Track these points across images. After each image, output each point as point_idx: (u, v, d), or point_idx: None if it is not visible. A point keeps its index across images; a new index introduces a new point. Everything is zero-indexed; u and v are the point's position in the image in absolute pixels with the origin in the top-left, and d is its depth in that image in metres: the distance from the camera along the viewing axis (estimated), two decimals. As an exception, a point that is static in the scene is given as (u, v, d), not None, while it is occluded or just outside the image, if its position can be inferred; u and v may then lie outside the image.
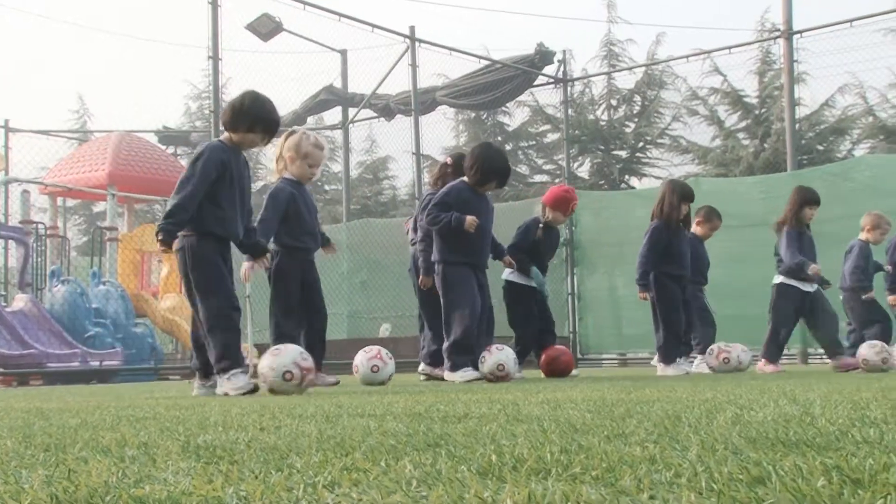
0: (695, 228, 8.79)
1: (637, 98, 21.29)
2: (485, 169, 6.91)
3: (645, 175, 21.26)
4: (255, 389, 5.16)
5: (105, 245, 15.17)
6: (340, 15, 13.85)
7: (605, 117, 21.48)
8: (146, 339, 13.86)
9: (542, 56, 16.23)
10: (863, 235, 9.03)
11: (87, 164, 16.46)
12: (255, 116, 5.40)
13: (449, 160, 7.64)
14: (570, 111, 18.07)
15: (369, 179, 24.32)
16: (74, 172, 16.42)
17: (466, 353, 6.74)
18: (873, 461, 1.33)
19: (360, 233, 15.98)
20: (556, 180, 20.01)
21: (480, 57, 16.68)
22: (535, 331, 7.81)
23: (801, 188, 8.56)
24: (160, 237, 5.24)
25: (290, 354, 5.06)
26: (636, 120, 21.25)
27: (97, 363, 12.53)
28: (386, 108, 16.82)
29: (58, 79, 49.97)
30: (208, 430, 2.40)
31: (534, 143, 22.69)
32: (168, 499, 1.22)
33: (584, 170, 21.35)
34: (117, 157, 16.29)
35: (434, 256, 7.04)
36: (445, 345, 6.86)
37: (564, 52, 16.94)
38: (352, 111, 17.62)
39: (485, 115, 22.07)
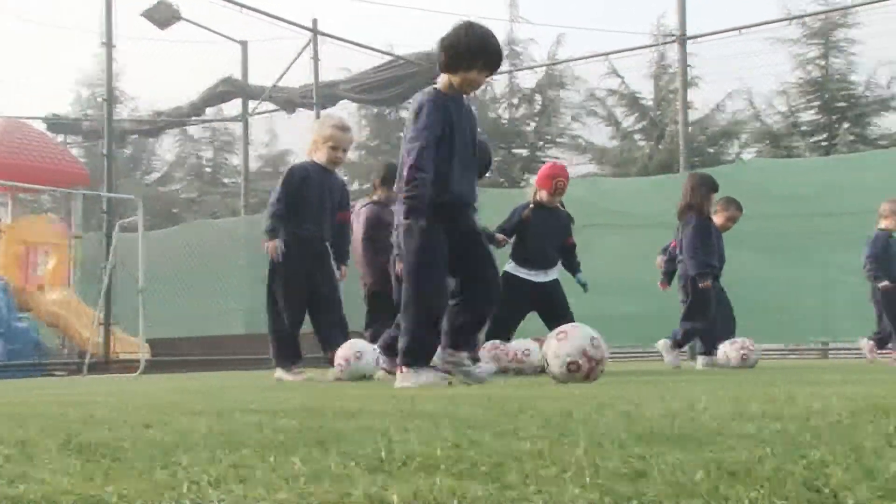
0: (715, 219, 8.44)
1: (538, 97, 21.55)
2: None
3: (541, 162, 21.54)
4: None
5: (-14, 236, 14.60)
6: (241, 5, 13.64)
7: (506, 116, 21.68)
8: (30, 334, 13.38)
9: (447, 54, 16.27)
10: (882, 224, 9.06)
11: (-33, 152, 15.81)
12: (475, 50, 4.71)
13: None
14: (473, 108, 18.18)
15: (269, 173, 24.01)
16: (-46, 160, 15.75)
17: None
18: (749, 454, 1.37)
19: (259, 226, 15.75)
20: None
21: (384, 52, 16.64)
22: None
23: (702, 175, 8.44)
24: (406, 217, 4.64)
25: (579, 340, 4.43)
26: (537, 119, 21.51)
27: (-27, 359, 12.05)
28: (287, 102, 16.63)
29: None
30: (92, 427, 2.33)
31: (435, 139, 22.72)
32: (44, 498, 1.18)
33: (484, 168, 21.48)
34: (0, 144, 15.68)
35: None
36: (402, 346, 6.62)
37: (468, 50, 17.00)
38: (252, 103, 17.37)
39: (388, 111, 22.03)
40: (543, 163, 21.76)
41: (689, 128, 15.08)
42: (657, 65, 19.15)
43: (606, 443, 1.64)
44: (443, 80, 4.84)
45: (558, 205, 7.51)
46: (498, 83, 20.92)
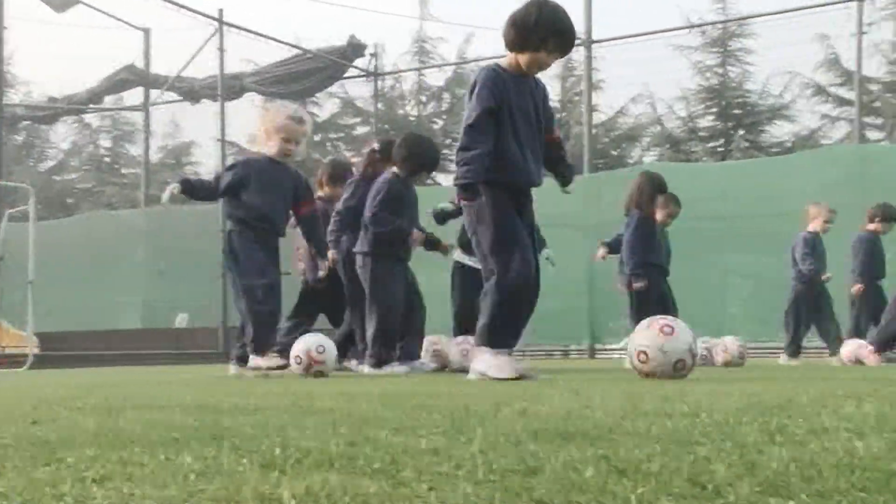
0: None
1: (446, 95, 21.62)
2: (418, 161, 6.63)
3: (451, 172, 21.60)
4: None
5: None
6: (144, -8, 13.32)
7: (414, 113, 21.69)
8: None
9: (354, 48, 16.21)
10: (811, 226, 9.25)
11: None
12: (547, 30, 4.46)
13: (376, 145, 7.39)
14: (379, 105, 18.13)
15: (171, 164, 23.51)
16: None
17: (390, 348, 6.50)
18: (639, 451, 1.40)
19: (159, 219, 15.43)
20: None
21: (291, 45, 16.46)
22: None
23: (651, 174, 8.42)
24: (464, 199, 4.47)
25: (687, 336, 4.33)
26: (445, 117, 21.58)
27: None
28: (191, 92, 16.31)
29: None
30: (-24, 422, 2.25)
31: (343, 135, 22.62)
32: (-84, 497, 1.13)
33: (391, 165, 21.46)
34: None
35: (359, 247, 6.68)
36: (369, 339, 6.47)
37: (376, 45, 16.98)
38: (154, 93, 16.97)
39: (296, 105, 21.80)
40: (451, 161, 21.84)
41: (594, 130, 15.35)
42: (563, 67, 19.41)
43: (502, 440, 1.66)
44: (508, 57, 4.58)
45: None
46: (406, 80, 20.92)
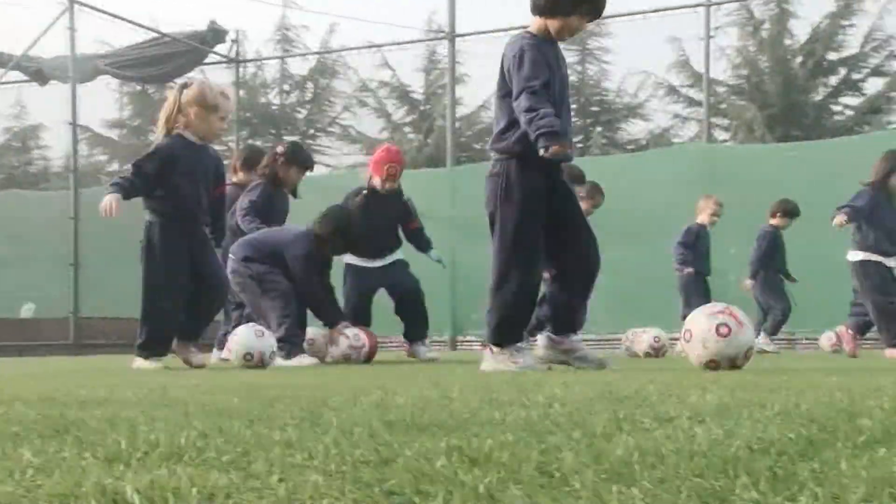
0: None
1: (310, 85, 21.39)
2: (341, 240, 6.57)
3: (315, 162, 21.37)
4: None
5: None
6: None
7: (277, 101, 21.38)
8: None
9: (215, 34, 15.84)
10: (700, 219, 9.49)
11: None
12: None
13: (281, 148, 7.09)
14: (241, 92, 17.79)
15: (17, 148, 22.45)
16: None
17: (300, 339, 6.31)
18: (492, 441, 1.42)
19: (3, 205, 14.72)
20: (226, 162, 19.63)
21: (148, 28, 15.94)
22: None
23: (570, 166, 8.47)
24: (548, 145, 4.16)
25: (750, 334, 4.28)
26: (308, 107, 21.35)
27: None
28: (39, 73, 15.59)
29: None
30: None
31: (202, 121, 22.08)
32: None
33: (253, 153, 21.10)
34: None
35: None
36: (279, 334, 6.15)
37: (238, 31, 16.64)
38: (-2, 72, 16.14)
39: (152, 90, 21.15)
40: (314, 151, 21.70)
41: (457, 124, 15.48)
42: (428, 60, 19.50)
43: (357, 431, 1.65)
44: (537, 23, 4.41)
45: (395, 190, 7.31)
46: (269, 68, 20.61)
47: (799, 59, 16.87)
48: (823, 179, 10.29)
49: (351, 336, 6.45)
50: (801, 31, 16.92)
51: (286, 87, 21.40)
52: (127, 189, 5.55)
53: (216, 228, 6.00)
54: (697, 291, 9.17)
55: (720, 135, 16.93)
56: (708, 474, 1.10)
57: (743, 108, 16.70)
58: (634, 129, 18.48)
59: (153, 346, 5.72)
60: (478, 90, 18.18)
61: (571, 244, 4.48)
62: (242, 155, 7.64)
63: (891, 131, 15.05)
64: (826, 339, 9.26)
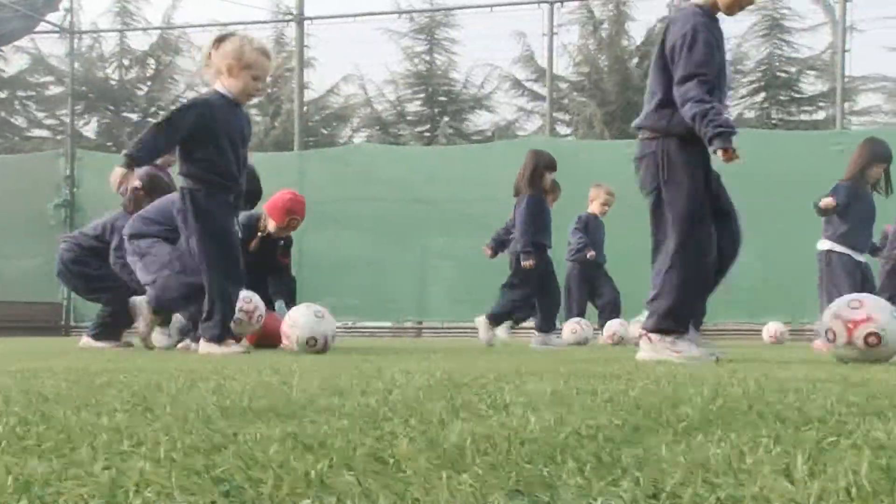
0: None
1: (151, 61, 20.68)
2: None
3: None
4: None
5: None
6: None
7: (116, 76, 20.56)
8: None
9: (47, 2, 15.09)
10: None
11: None
12: None
13: (137, 183, 6.45)
14: (76, 65, 17.02)
15: None
16: None
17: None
18: (328, 427, 1.41)
19: None
20: (59, 137, 18.76)
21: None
22: None
23: (540, 152, 8.20)
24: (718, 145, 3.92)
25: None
26: (149, 83, 20.64)
27: None
28: None
29: None
30: None
31: (33, 94, 21.02)
32: None
33: (90, 129, 20.23)
34: None
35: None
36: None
37: (72, 1, 15.89)
38: None
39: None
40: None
41: (305, 107, 15.31)
42: (276, 42, 19.18)
43: (191, 417, 1.62)
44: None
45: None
46: (107, 41, 19.79)
47: (635, 60, 17.50)
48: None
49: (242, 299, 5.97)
50: (637, 32, 17.56)
51: (126, 61, 20.62)
52: (142, 156, 5.04)
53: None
54: (580, 282, 9.31)
55: (562, 129, 17.38)
56: (537, 460, 1.13)
57: (583, 104, 17.17)
58: (480, 120, 18.73)
59: (227, 330, 5.17)
60: (326, 75, 18.03)
61: (723, 228, 4.29)
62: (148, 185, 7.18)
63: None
64: (766, 332, 9.80)
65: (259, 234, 6.82)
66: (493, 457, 1.15)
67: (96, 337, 6.86)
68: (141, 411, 1.74)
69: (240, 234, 6.29)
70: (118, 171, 4.92)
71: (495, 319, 7.95)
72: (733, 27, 16.54)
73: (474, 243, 10.79)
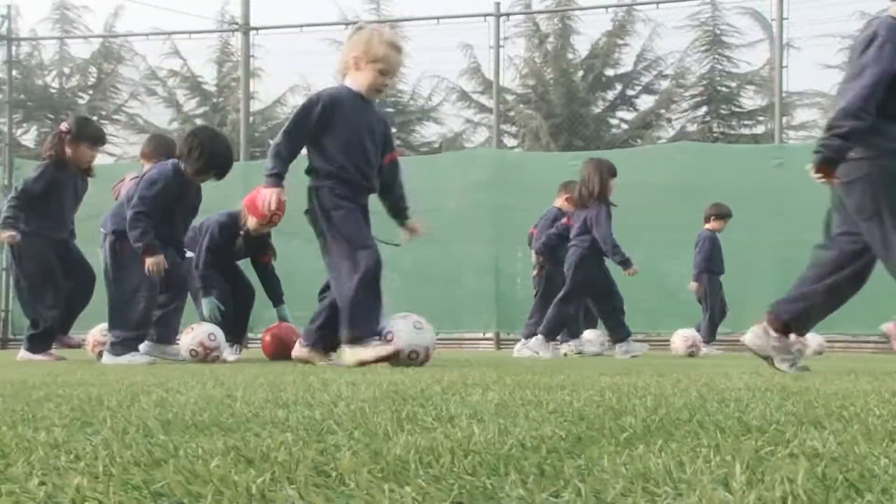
0: (561, 203, 8.76)
1: (93, 70, 20.40)
2: (208, 160, 5.78)
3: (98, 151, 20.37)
4: None
5: None
6: None
7: (55, 85, 20.25)
8: None
9: (-18, 9, 14.81)
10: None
11: None
12: None
13: (65, 126, 6.37)
14: (14, 72, 16.72)
15: None
16: None
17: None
18: (271, 441, 1.40)
19: None
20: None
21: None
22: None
23: (601, 161, 8.24)
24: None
25: None
26: (91, 92, 20.36)
27: None
28: None
29: None
30: None
31: (-30, 101, 20.62)
32: None
33: (29, 138, 19.89)
34: None
35: (111, 226, 5.83)
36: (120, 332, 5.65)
37: (9, 7, 15.63)
38: None
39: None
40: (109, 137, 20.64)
41: (252, 118, 15.20)
42: (221, 51, 19.04)
43: (132, 431, 1.60)
44: (894, 7, 3.85)
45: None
46: (46, 48, 19.49)
47: (580, 73, 17.68)
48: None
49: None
50: (582, 46, 17.74)
51: (66, 69, 20.31)
52: (281, 171, 4.86)
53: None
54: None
55: (509, 141, 17.48)
56: (481, 472, 1.13)
57: (530, 116, 17.31)
58: (428, 131, 18.77)
59: (362, 336, 4.86)
60: (273, 85, 17.93)
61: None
62: (150, 144, 7.01)
63: (659, 146, 16.04)
64: (681, 341, 9.10)
65: (242, 233, 6.71)
66: (437, 469, 1.15)
67: (32, 350, 6.71)
68: (80, 426, 1.71)
69: (218, 235, 6.30)
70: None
71: (551, 334, 7.95)
72: (676, 42, 16.84)
73: (421, 255, 10.82)
